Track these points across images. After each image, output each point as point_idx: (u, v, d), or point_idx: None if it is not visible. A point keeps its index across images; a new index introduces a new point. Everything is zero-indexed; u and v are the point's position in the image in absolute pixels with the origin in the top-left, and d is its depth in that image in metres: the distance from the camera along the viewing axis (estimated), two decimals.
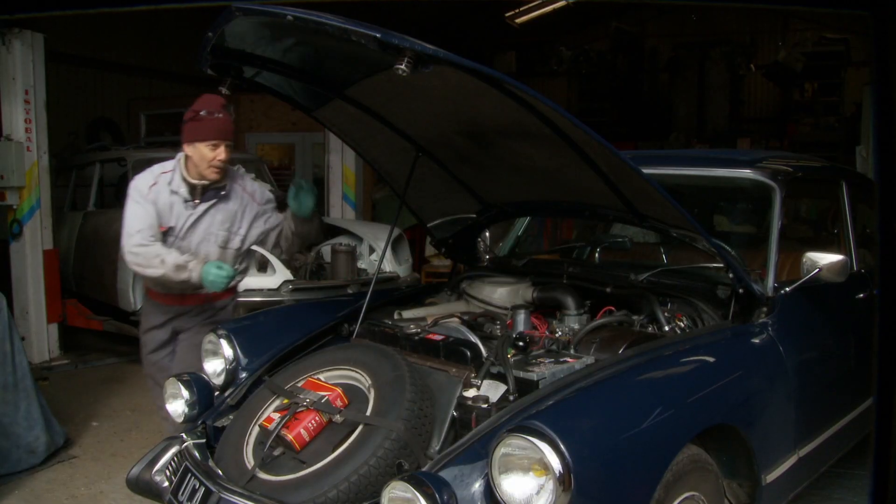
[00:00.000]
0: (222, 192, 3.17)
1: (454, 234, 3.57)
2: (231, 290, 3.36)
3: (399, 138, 2.95)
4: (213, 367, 2.91)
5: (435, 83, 2.31)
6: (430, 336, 2.62)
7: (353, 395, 2.38)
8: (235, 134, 3.37)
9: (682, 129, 13.08)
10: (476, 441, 2.05)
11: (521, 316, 2.81)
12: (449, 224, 3.53)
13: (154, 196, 3.08)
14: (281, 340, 2.92)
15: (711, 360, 2.50)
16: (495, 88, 2.18)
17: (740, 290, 2.70)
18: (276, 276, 5.35)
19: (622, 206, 2.77)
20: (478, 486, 1.95)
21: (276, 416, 2.37)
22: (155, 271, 3.01)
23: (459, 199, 3.35)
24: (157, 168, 3.17)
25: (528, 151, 2.69)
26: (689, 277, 2.99)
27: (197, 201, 3.13)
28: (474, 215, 3.46)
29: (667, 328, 2.70)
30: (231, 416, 2.64)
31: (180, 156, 3.14)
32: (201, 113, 3.04)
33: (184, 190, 3.12)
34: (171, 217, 3.11)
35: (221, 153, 3.06)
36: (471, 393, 2.36)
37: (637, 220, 2.84)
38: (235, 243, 3.23)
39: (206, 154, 3.05)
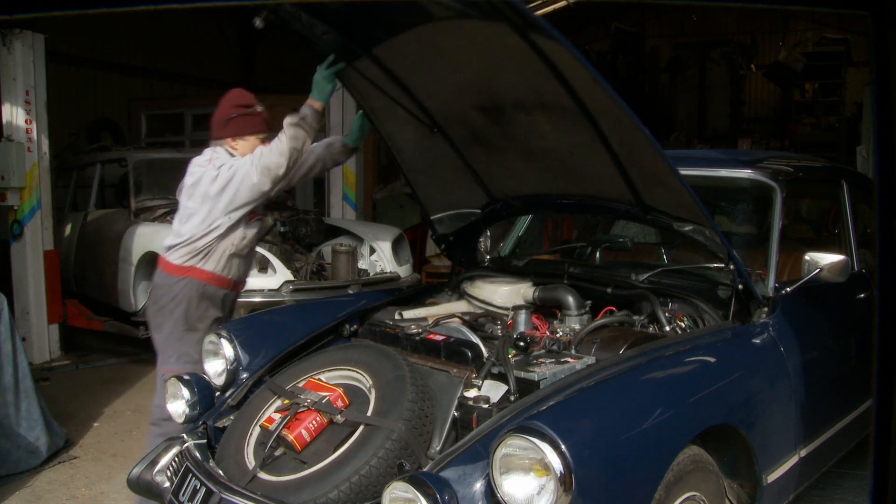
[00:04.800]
0: None
1: (456, 231, 3.57)
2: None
3: (415, 111, 2.96)
4: (214, 368, 2.90)
5: (461, 44, 2.29)
6: (431, 336, 2.62)
7: (354, 395, 2.39)
8: None
9: (682, 130, 13.10)
10: (477, 441, 2.05)
11: (522, 316, 2.81)
12: (452, 219, 3.53)
13: None
14: (282, 341, 2.92)
15: (712, 360, 2.50)
16: (523, 39, 2.15)
17: (740, 287, 2.70)
18: (277, 277, 5.35)
19: (629, 197, 2.76)
20: (479, 486, 1.95)
21: (277, 416, 2.37)
22: (297, 142, 3.06)
23: (466, 191, 3.34)
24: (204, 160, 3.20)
25: (543, 127, 2.67)
26: (689, 277, 2.99)
27: None
28: (478, 210, 3.45)
29: (668, 328, 2.70)
30: (232, 417, 2.64)
31: (221, 150, 3.19)
32: (257, 108, 3.21)
33: None
34: None
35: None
36: (472, 393, 2.36)
37: (642, 213, 2.83)
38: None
39: (256, 146, 3.16)
